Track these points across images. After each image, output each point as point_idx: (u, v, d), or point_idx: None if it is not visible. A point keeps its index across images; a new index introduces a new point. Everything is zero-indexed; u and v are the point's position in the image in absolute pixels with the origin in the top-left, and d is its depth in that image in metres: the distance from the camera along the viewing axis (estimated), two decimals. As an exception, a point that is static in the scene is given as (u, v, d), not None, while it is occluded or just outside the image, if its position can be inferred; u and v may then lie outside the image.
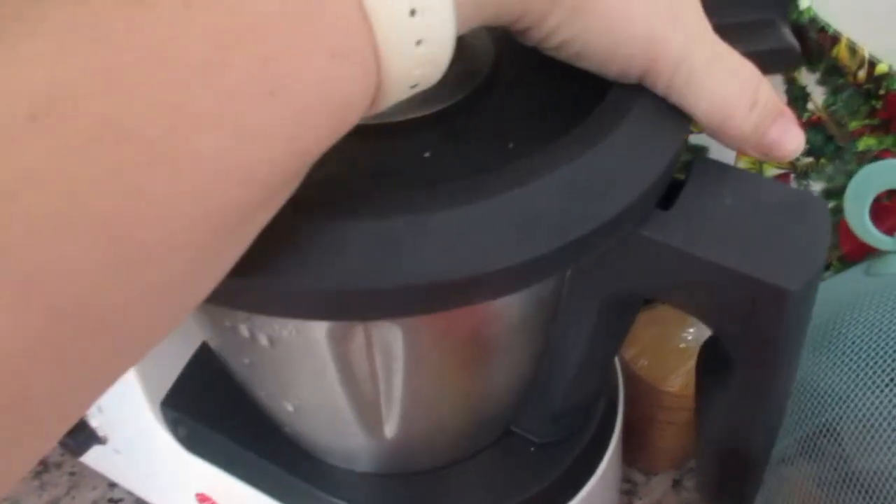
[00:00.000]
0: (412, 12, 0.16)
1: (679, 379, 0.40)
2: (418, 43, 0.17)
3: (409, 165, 0.21)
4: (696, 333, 0.40)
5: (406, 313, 0.21)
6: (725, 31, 0.21)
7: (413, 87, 0.18)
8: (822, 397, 0.40)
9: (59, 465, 0.47)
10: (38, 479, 0.47)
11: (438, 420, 0.30)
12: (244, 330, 0.25)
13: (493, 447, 0.34)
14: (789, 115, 0.22)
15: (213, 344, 0.30)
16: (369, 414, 0.28)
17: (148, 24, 0.13)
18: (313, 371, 0.26)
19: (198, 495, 0.38)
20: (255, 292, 0.19)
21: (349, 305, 0.19)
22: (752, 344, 0.22)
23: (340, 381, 0.26)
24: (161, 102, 0.13)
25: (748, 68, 0.21)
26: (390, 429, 0.29)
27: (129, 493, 0.45)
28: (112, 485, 0.46)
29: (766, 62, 0.21)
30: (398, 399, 0.27)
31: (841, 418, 0.39)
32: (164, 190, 0.14)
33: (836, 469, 0.39)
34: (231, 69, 0.14)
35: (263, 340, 0.25)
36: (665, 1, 0.20)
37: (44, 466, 0.47)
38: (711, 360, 0.26)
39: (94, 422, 0.39)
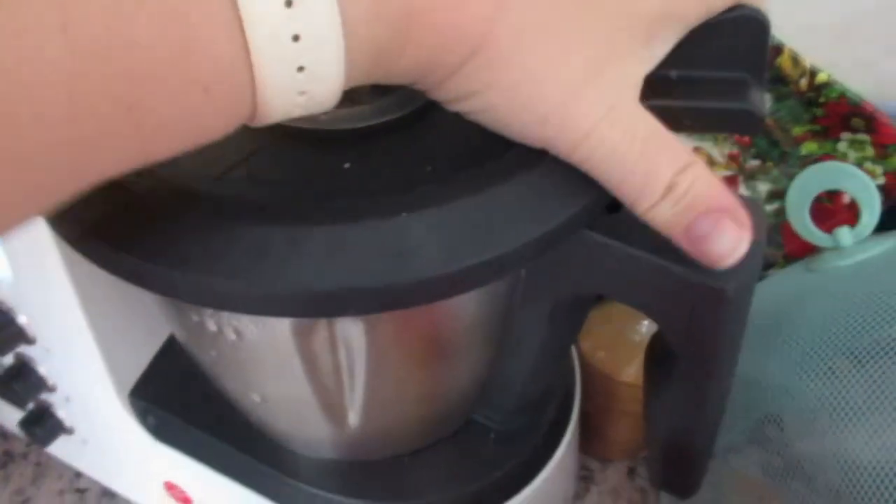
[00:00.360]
0: (300, 69, 0.17)
1: (634, 370, 0.42)
2: (301, 93, 0.17)
3: (336, 175, 0.23)
4: (649, 326, 0.42)
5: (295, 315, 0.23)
6: (688, 82, 0.22)
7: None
8: (767, 389, 0.42)
9: (24, 456, 0.48)
10: (2, 470, 0.47)
11: (401, 410, 0.31)
12: (211, 324, 0.26)
13: (455, 435, 0.35)
14: (731, 211, 0.19)
15: (180, 338, 0.31)
16: (333, 405, 0.29)
17: (14, 31, 0.14)
18: (279, 364, 0.27)
19: (166, 483, 0.39)
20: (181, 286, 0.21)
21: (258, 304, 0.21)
22: (694, 339, 0.24)
23: (305, 373, 0.27)
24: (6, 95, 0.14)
25: (674, 150, 0.20)
26: (354, 418, 0.30)
27: (96, 483, 0.46)
28: (78, 474, 0.47)
29: (726, 122, 0.21)
30: (361, 391, 0.28)
31: (784, 408, 0.41)
32: None
33: (780, 456, 0.41)
34: (89, 78, 0.15)
35: (230, 334, 0.26)
36: (587, 70, 0.19)
37: (9, 457, 0.48)
38: (658, 354, 0.28)
39: (61, 412, 0.40)
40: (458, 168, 0.22)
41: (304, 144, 0.24)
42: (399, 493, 0.34)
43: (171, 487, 0.39)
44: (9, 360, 0.38)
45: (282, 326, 0.25)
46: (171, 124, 0.16)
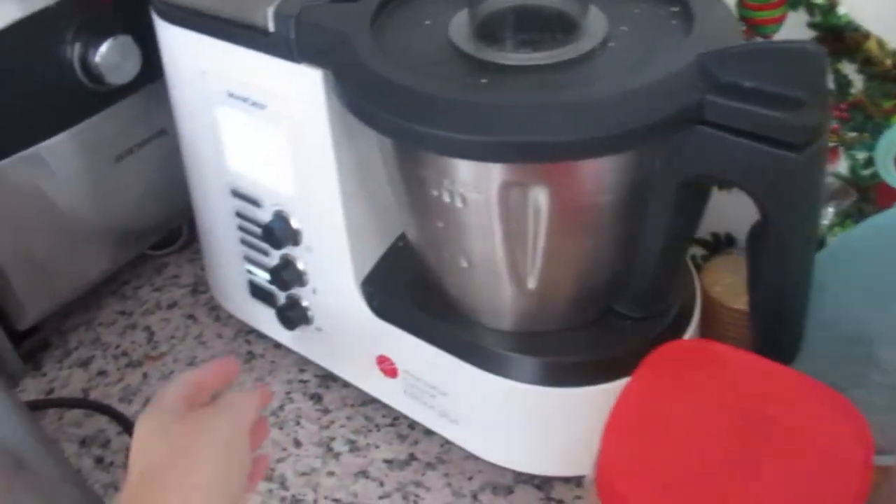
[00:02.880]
0: None
1: (746, 299, 0.52)
2: None
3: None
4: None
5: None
6: (755, 92, 0.32)
7: None
8: (866, 334, 0.49)
9: (262, 355, 0.63)
10: (247, 364, 0.63)
11: (565, 277, 0.43)
12: (445, 196, 0.40)
13: (599, 319, 0.47)
14: None
15: (412, 224, 0.45)
16: (519, 265, 0.42)
17: None
18: (487, 226, 0.40)
19: (378, 358, 0.53)
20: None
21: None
22: (779, 201, 0.35)
23: (503, 234, 0.40)
24: None
25: None
26: (532, 282, 0.43)
27: (314, 377, 0.60)
28: (301, 369, 0.61)
29: (774, 128, 0.32)
30: (540, 253, 0.41)
31: (880, 350, 0.49)
32: None
33: (881, 395, 0.49)
34: None
35: (458, 202, 0.40)
36: None
37: (251, 356, 0.63)
38: (754, 234, 0.39)
39: (306, 303, 0.55)
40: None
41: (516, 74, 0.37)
42: (556, 350, 0.46)
43: (382, 361, 0.53)
44: (275, 260, 0.54)
45: (492, 191, 0.38)
46: None
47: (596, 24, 0.40)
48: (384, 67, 0.37)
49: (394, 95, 0.35)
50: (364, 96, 0.36)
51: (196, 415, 0.39)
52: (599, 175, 0.38)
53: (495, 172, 0.37)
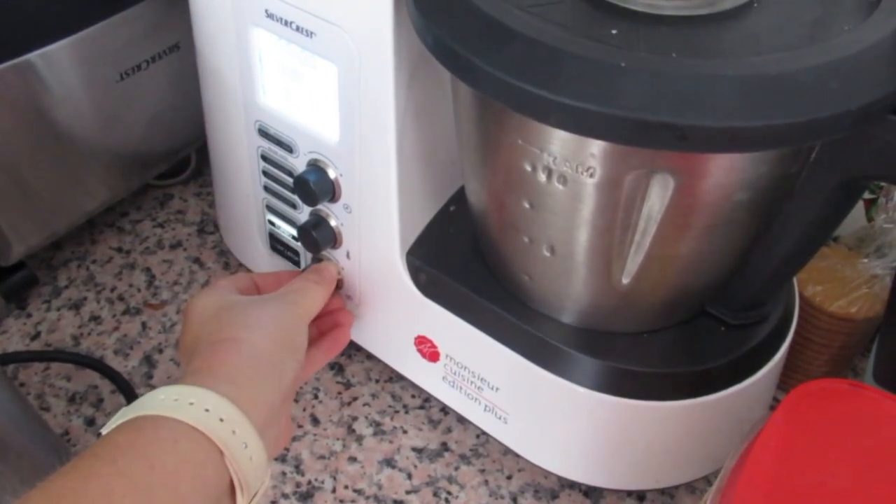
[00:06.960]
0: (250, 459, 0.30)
1: (844, 303, 0.45)
2: (245, 446, 0.30)
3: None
4: (867, 264, 0.45)
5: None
6: None
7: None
8: None
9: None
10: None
11: (666, 276, 0.36)
12: (541, 173, 0.32)
13: (689, 322, 0.40)
14: None
15: (491, 197, 0.37)
16: (613, 258, 0.34)
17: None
18: (587, 214, 0.33)
19: (417, 339, 0.46)
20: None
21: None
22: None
23: (605, 223, 0.33)
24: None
25: None
26: (626, 278, 0.35)
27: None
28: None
29: None
30: (645, 248, 0.33)
31: None
32: None
33: None
34: None
35: (557, 182, 0.32)
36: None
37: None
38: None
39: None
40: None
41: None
42: (634, 355, 0.39)
43: (421, 342, 0.46)
44: (304, 216, 0.46)
45: (605, 174, 0.31)
46: None
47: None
48: (491, 3, 0.28)
49: (505, 43, 0.27)
50: (463, 42, 0.28)
51: (255, 297, 0.40)
52: (743, 167, 0.30)
53: (617, 153, 0.30)
